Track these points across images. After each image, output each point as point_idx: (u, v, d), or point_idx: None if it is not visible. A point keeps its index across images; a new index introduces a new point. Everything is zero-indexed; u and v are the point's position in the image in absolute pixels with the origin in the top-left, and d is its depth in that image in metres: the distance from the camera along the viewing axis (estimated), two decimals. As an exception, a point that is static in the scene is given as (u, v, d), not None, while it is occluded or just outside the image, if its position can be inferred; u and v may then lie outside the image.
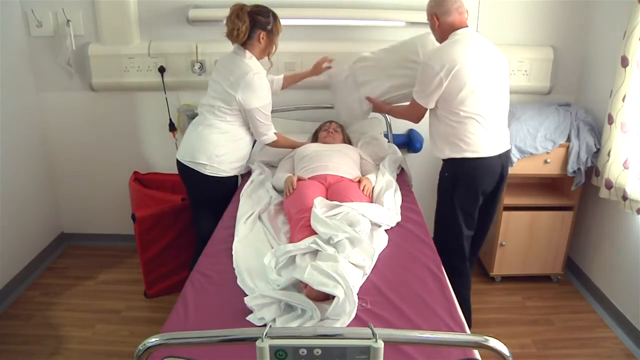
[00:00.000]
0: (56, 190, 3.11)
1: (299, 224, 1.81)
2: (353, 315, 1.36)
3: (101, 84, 2.80)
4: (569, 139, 2.56)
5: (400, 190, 2.19)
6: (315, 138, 2.59)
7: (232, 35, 2.11)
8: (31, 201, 2.89)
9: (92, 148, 3.00)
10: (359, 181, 2.16)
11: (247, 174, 2.42)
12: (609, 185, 2.35)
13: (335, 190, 2.07)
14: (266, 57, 2.24)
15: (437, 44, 2.08)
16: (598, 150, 2.50)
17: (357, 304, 1.39)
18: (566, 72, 2.81)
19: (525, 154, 2.53)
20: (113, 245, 3.17)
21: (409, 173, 2.50)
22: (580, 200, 2.71)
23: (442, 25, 2.01)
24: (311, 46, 2.70)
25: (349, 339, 0.99)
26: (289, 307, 1.41)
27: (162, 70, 2.73)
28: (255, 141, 2.39)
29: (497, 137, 2.04)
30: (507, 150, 2.12)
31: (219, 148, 2.19)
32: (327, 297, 1.40)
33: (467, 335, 1.24)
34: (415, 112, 2.10)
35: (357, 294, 1.43)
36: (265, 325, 1.29)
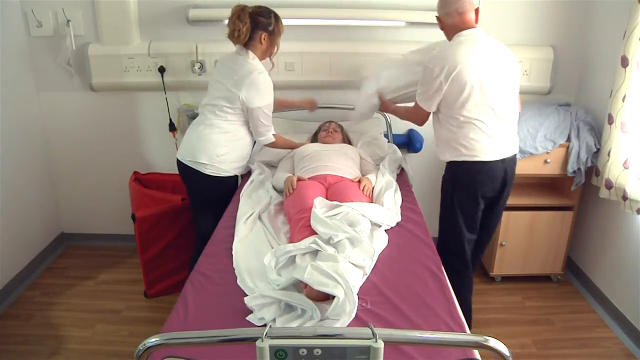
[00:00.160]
0: (56, 190, 3.11)
1: (299, 224, 1.81)
2: (353, 315, 1.36)
3: (101, 84, 2.80)
4: (569, 139, 2.56)
5: (400, 190, 2.19)
6: (315, 138, 2.59)
7: (233, 36, 2.10)
8: (31, 201, 2.89)
9: (92, 148, 3.00)
10: (359, 181, 2.16)
11: (247, 174, 2.42)
12: (609, 185, 2.35)
13: (335, 190, 2.07)
14: (268, 58, 2.23)
15: None
16: (598, 150, 2.50)
17: (357, 304, 1.39)
18: (566, 72, 2.81)
19: (525, 154, 2.53)
20: (113, 245, 3.17)
21: (409, 173, 2.50)
22: (580, 200, 2.71)
23: (446, 26, 1.98)
24: (311, 46, 2.71)
25: (349, 339, 0.99)
26: (289, 307, 1.41)
27: (162, 70, 2.73)
28: (255, 141, 2.38)
29: (501, 142, 1.97)
30: (513, 156, 2.05)
31: (220, 148, 2.19)
32: (327, 297, 1.40)
33: (467, 335, 1.24)
34: (418, 115, 2.07)
35: (357, 294, 1.43)
36: (265, 325, 1.29)
